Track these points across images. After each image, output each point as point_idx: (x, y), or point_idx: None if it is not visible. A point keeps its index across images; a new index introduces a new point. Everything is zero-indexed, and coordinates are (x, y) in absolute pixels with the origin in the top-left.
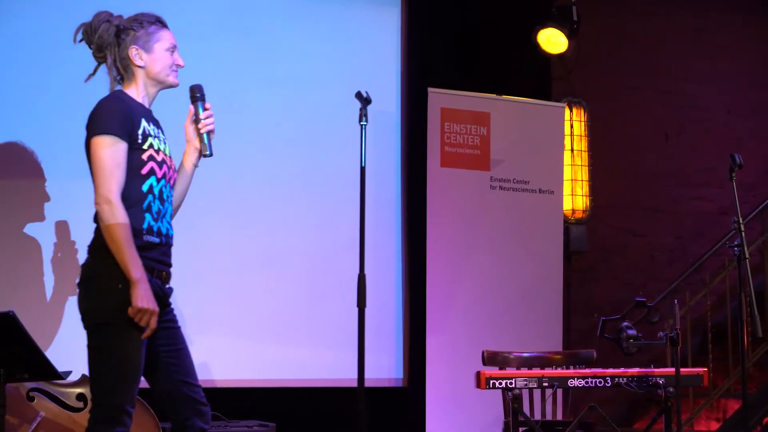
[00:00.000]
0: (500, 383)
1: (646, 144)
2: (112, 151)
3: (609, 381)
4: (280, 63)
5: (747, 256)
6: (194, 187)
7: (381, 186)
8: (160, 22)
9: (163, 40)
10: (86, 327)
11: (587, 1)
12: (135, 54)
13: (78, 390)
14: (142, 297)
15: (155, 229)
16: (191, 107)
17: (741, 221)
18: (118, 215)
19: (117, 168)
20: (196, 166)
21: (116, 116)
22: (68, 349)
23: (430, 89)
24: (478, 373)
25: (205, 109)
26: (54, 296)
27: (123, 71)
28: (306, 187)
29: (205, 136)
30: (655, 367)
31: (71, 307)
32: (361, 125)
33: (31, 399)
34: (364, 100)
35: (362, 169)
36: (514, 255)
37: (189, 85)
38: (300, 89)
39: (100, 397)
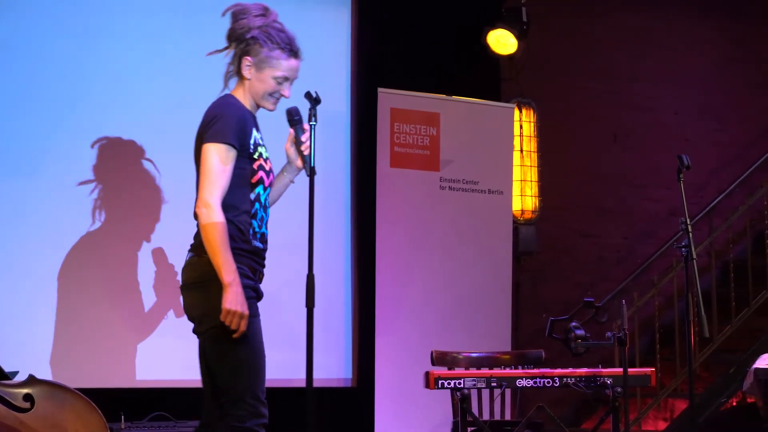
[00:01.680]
0: (449, 383)
1: (595, 145)
2: (224, 160)
3: (557, 381)
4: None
5: (694, 256)
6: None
7: (330, 186)
8: (290, 50)
9: (276, 69)
10: (204, 331)
11: (537, 2)
12: (246, 66)
13: (25, 390)
14: (232, 300)
15: (259, 235)
16: (291, 131)
17: (689, 222)
18: (214, 217)
19: (223, 175)
20: (292, 181)
21: (234, 126)
22: (14, 349)
23: (379, 89)
24: (427, 373)
25: (303, 131)
26: (9, 294)
27: (236, 72)
28: None
29: (307, 156)
30: (603, 367)
31: (18, 305)
32: (311, 125)
33: None
34: (314, 100)
35: (312, 169)
36: (463, 255)
37: (287, 108)
38: None
39: (241, 394)
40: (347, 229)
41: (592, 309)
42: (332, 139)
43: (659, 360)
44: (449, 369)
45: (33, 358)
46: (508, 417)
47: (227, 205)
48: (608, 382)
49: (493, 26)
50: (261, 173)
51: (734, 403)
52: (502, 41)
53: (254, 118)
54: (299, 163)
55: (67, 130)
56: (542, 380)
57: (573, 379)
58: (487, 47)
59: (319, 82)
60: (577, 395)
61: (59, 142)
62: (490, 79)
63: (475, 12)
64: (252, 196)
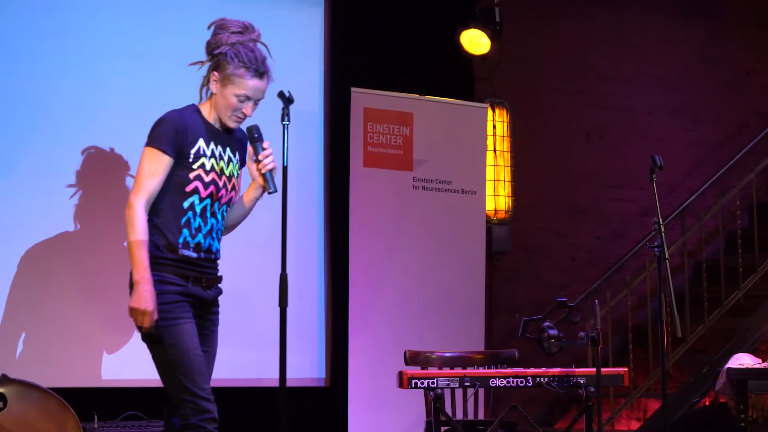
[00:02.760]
0: (422, 383)
1: (568, 145)
2: (153, 164)
3: (530, 381)
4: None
5: (667, 256)
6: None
7: (303, 185)
8: (256, 70)
9: (239, 87)
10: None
11: (510, 2)
12: (213, 80)
13: None
14: (135, 298)
15: (192, 244)
16: (250, 148)
17: (661, 222)
18: (134, 220)
19: (151, 178)
20: (257, 199)
21: (169, 133)
22: None
23: (353, 89)
24: (401, 373)
25: (263, 149)
26: None
27: (205, 84)
28: None
29: (267, 174)
30: (576, 367)
31: None
32: (284, 124)
33: None
34: (287, 100)
35: (284, 169)
36: (436, 255)
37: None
38: None
39: (175, 396)
40: (320, 228)
41: (565, 309)
42: (305, 139)
43: (632, 360)
44: (422, 369)
45: (5, 357)
46: (481, 417)
47: (156, 210)
48: (581, 381)
49: (467, 26)
50: (197, 183)
51: (707, 403)
52: (475, 41)
53: (214, 130)
54: (260, 180)
55: (42, 131)
56: (515, 380)
57: (546, 378)
58: (460, 47)
59: (292, 81)
60: (550, 395)
61: (35, 143)
62: (464, 79)
63: (448, 12)
64: (185, 204)
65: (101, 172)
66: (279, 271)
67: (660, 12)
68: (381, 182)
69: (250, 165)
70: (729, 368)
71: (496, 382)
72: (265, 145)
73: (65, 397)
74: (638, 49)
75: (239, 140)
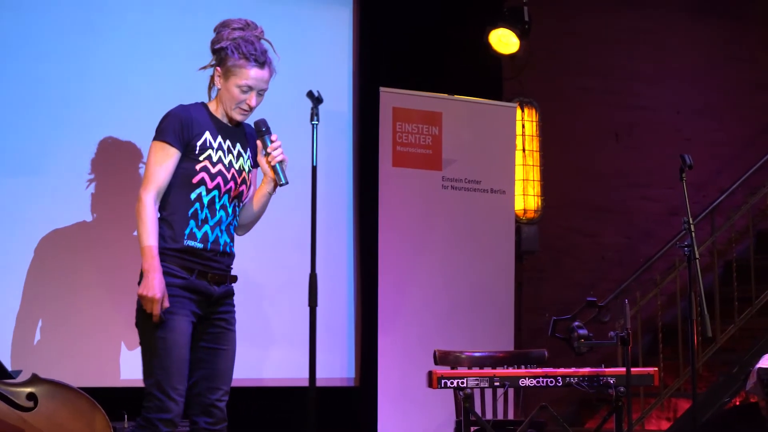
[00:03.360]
0: (452, 383)
1: (596, 144)
2: (160, 156)
3: (560, 380)
4: None
5: (697, 256)
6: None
7: (332, 185)
8: (256, 60)
9: (239, 77)
10: None
11: (536, 1)
12: (217, 76)
13: (28, 389)
14: (143, 285)
15: (198, 235)
16: (259, 142)
17: (691, 221)
18: (143, 212)
19: (159, 171)
20: (270, 194)
21: (175, 126)
22: (17, 348)
23: (381, 89)
24: (430, 373)
25: (271, 141)
26: (2, 294)
27: (211, 82)
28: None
29: (277, 166)
30: (605, 366)
31: (20, 304)
32: (313, 124)
33: None
34: (316, 99)
35: (314, 168)
36: (465, 254)
37: (254, 120)
38: None
39: (150, 386)
40: (349, 228)
41: (594, 308)
42: (334, 139)
43: (662, 359)
44: (452, 368)
45: (36, 357)
46: (510, 416)
47: (166, 203)
48: (611, 381)
49: (495, 25)
50: (203, 174)
51: (737, 403)
52: (504, 40)
53: (221, 124)
54: (271, 174)
55: (65, 130)
56: (545, 380)
57: (576, 378)
58: (489, 46)
59: (321, 81)
60: (579, 395)
61: (58, 142)
62: (492, 79)
63: (477, 11)
64: (192, 196)
65: (121, 165)
66: (308, 270)
67: (684, 11)
68: (410, 182)
69: (260, 159)
70: (759, 368)
71: (526, 382)
72: (273, 137)
73: (95, 397)
74: (663, 49)
75: (251, 137)
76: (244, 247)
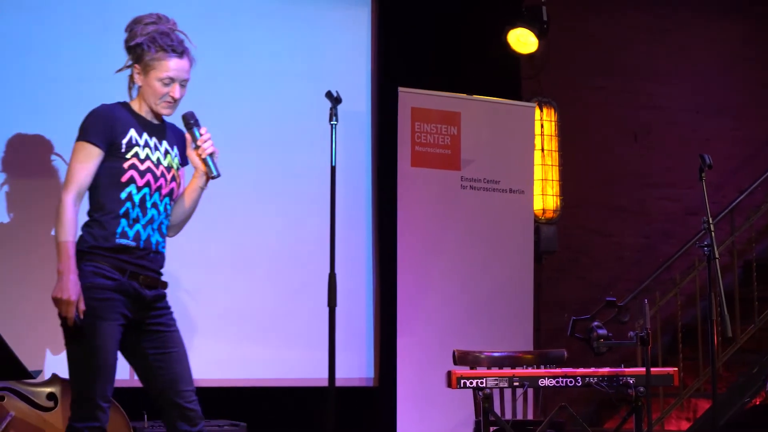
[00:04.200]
0: (471, 383)
1: (614, 144)
2: (82, 156)
3: (579, 381)
4: (251, 62)
5: (717, 256)
6: None
7: (351, 185)
8: (174, 50)
9: (159, 70)
10: None
11: (557, 1)
12: (136, 73)
13: (48, 389)
14: (57, 288)
15: (130, 234)
16: (187, 135)
17: (711, 221)
18: (62, 211)
19: (81, 171)
20: (202, 188)
21: (98, 125)
22: (39, 348)
23: (400, 89)
24: (449, 373)
25: (200, 135)
26: (24, 295)
27: (131, 81)
28: (276, 186)
29: (208, 159)
30: (625, 366)
31: (41, 306)
32: (332, 124)
33: (1, 398)
34: (335, 100)
35: (332, 169)
36: (484, 255)
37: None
38: (270, 88)
39: (73, 392)
40: (368, 228)
41: (613, 308)
42: (353, 139)
43: (682, 359)
44: (471, 368)
45: (56, 357)
46: (530, 416)
47: (97, 204)
48: (631, 381)
49: (514, 25)
50: (132, 172)
51: (757, 403)
52: (522, 40)
53: (145, 121)
54: (202, 167)
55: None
56: (564, 380)
57: (595, 378)
58: (507, 46)
59: (340, 82)
60: (599, 395)
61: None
62: (511, 78)
63: (495, 11)
64: (123, 195)
65: None
66: (327, 270)
67: (701, 11)
68: (429, 182)
69: (190, 153)
70: None
71: (545, 382)
72: (202, 131)
73: (115, 396)
74: (682, 48)
75: (175, 134)
76: (263, 248)
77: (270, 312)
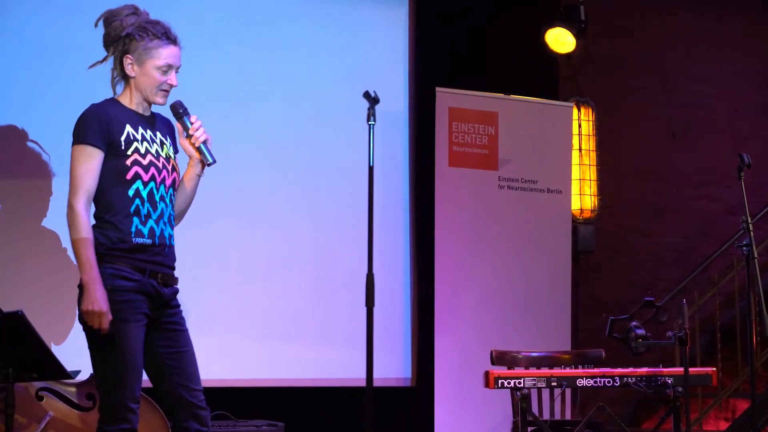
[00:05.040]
0: (509, 383)
1: (652, 143)
2: (84, 159)
3: (618, 381)
4: (288, 63)
5: (756, 255)
6: (202, 186)
7: (389, 185)
8: (167, 37)
9: (157, 58)
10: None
11: (594, 0)
12: (128, 64)
13: (87, 389)
14: (86, 300)
15: (145, 231)
16: (178, 124)
17: (750, 221)
18: (76, 222)
19: (86, 175)
20: (199, 176)
21: (93, 125)
22: (77, 348)
23: (437, 89)
24: (487, 373)
25: (191, 123)
26: (62, 295)
27: (120, 74)
28: (314, 186)
29: (202, 146)
30: (663, 366)
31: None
32: (370, 125)
33: (40, 398)
34: (372, 100)
35: (370, 169)
36: (522, 254)
37: (170, 103)
38: (307, 89)
39: (101, 396)
40: (406, 228)
41: (652, 308)
42: (390, 139)
43: (720, 359)
44: (509, 368)
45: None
46: (568, 416)
47: (106, 205)
48: (669, 381)
49: (551, 25)
50: (136, 168)
51: None
52: (560, 40)
53: (138, 115)
54: (196, 155)
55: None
56: (602, 380)
57: (633, 378)
58: (545, 46)
59: (377, 82)
60: (637, 395)
61: None
62: (548, 78)
63: (533, 10)
64: (130, 192)
65: None
66: (365, 270)
67: (742, 9)
68: (466, 182)
69: (183, 142)
70: None
71: (583, 382)
72: (192, 119)
73: (153, 397)
74: (720, 48)
75: (165, 125)
76: (300, 248)
77: (308, 312)
